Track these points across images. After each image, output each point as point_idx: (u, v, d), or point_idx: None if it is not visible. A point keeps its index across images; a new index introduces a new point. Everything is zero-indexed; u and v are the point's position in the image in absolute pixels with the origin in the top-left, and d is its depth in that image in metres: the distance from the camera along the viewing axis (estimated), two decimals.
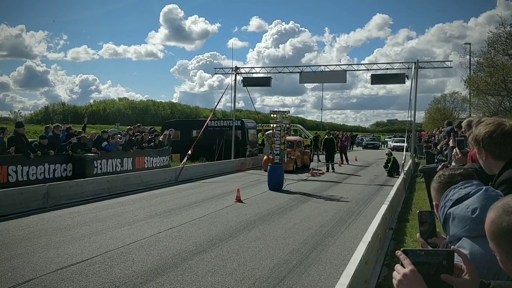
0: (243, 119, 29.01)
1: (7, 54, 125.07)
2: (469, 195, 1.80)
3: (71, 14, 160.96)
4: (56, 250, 7.08)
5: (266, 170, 16.21)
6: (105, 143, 15.79)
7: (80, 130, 16.60)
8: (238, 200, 12.04)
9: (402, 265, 1.43)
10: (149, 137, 18.85)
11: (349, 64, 23.49)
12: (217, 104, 27.01)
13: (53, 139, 14.09)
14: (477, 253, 1.61)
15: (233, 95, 25.01)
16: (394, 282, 1.44)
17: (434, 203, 2.03)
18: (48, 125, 17.28)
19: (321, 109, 49.11)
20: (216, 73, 26.42)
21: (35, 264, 6.31)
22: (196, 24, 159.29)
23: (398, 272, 1.43)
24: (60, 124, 15.94)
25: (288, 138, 19.84)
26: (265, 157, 20.78)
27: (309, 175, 19.08)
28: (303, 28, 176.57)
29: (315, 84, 41.95)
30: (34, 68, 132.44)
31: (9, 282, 5.59)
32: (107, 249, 7.15)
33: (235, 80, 24.29)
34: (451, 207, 1.82)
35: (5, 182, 11.78)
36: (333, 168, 21.90)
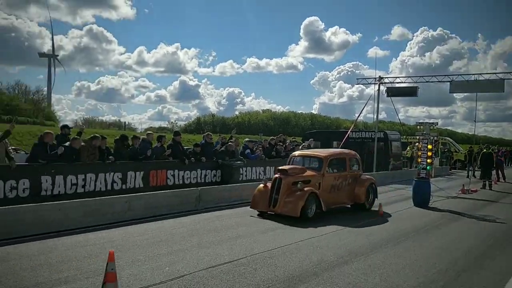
0: (386, 131, 28.01)
1: (164, 70, 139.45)
2: None
3: (220, 32, 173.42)
4: (206, 249, 7.62)
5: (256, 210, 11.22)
6: (248, 151, 16.61)
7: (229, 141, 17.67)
8: (382, 214, 11.65)
9: None
10: (291, 147, 19.28)
11: (507, 72, 21.25)
12: (359, 115, 26.55)
13: (205, 147, 15.27)
14: None
15: (376, 106, 24.38)
16: None
17: None
18: (208, 133, 18.50)
19: (475, 121, 45.66)
20: (358, 83, 26.11)
21: (188, 261, 6.87)
22: (336, 35, 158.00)
23: None
24: (211, 133, 17.18)
25: (319, 151, 13.09)
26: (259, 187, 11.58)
27: (460, 192, 17.58)
28: (453, 35, 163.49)
29: (465, 94, 38.76)
30: (187, 82, 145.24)
31: (168, 276, 6.16)
32: (251, 253, 7.47)
33: (378, 90, 23.68)
34: None
35: (164, 185, 13.11)
36: (490, 186, 19.90)
